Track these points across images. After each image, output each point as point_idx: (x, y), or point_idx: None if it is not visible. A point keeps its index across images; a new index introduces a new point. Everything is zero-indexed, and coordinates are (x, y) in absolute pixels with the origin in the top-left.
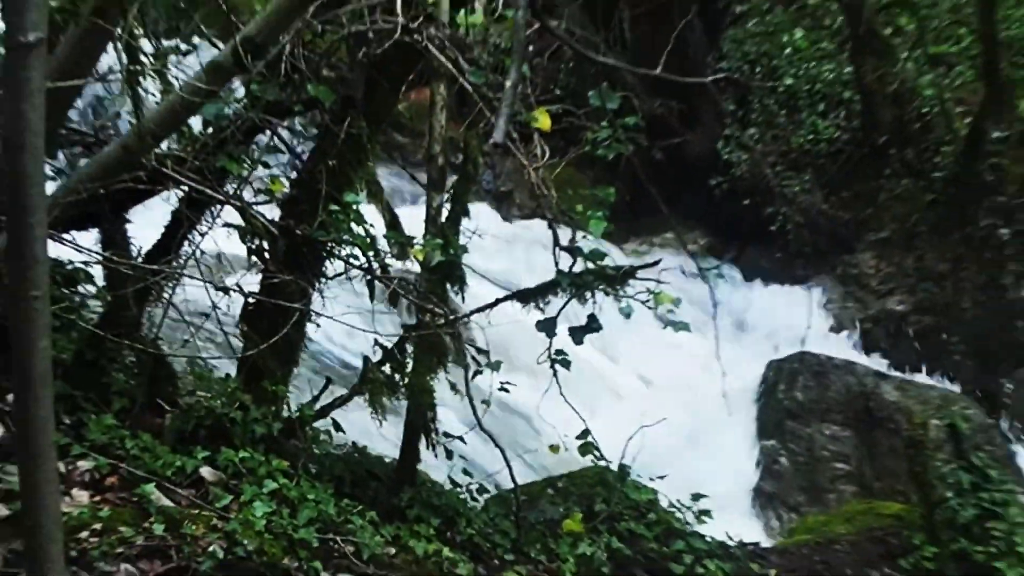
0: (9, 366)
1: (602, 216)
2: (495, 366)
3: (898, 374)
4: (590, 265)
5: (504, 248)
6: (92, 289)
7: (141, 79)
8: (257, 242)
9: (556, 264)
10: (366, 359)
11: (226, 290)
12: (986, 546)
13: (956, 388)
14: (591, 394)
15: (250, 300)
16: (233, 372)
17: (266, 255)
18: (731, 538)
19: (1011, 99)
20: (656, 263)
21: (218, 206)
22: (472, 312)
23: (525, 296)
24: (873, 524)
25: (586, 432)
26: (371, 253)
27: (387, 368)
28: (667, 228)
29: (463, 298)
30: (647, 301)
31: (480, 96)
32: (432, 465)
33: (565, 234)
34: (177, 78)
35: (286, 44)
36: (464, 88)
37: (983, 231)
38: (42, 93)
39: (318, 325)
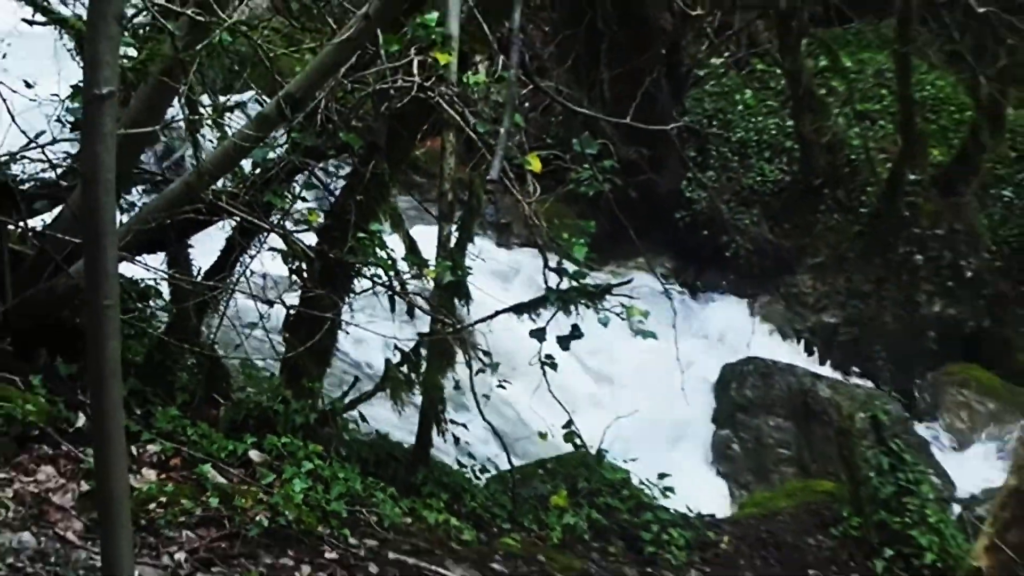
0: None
1: (584, 243)
2: (494, 367)
3: (831, 375)
4: (574, 283)
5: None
6: (160, 303)
7: (200, 128)
8: (297, 263)
9: (546, 282)
10: (387, 361)
11: (271, 303)
12: (902, 517)
13: (878, 387)
14: (574, 391)
15: (291, 312)
16: (277, 372)
17: (304, 274)
18: (691, 510)
19: (924, 149)
20: (628, 282)
21: (264, 234)
22: (476, 322)
23: (520, 309)
24: (809, 499)
25: (570, 423)
26: (392, 273)
27: (405, 368)
28: (639, 254)
29: (468, 310)
30: (621, 313)
31: (483, 143)
32: (442, 449)
33: (553, 258)
34: (231, 127)
35: (322, 99)
36: (470, 136)
37: (901, 257)
38: (114, 137)
39: (347, 332)
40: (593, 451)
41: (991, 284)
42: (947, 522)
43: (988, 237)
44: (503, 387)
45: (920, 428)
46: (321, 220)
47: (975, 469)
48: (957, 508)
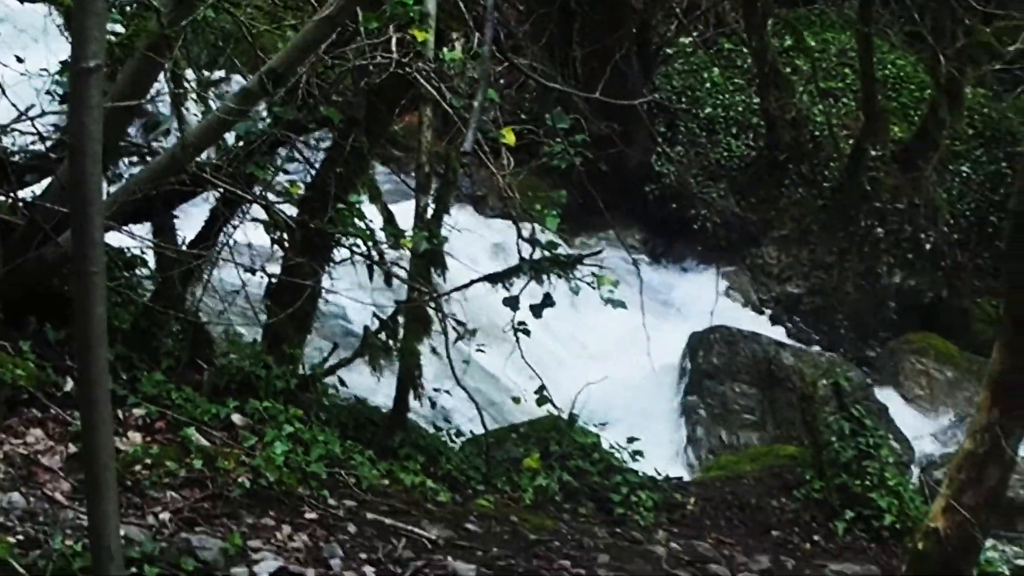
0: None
1: (556, 214)
2: (470, 334)
3: (794, 344)
4: (546, 253)
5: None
6: (146, 271)
7: (185, 102)
8: (278, 233)
9: (519, 252)
10: (366, 328)
11: (253, 271)
12: (862, 480)
13: (840, 355)
14: (546, 358)
15: (272, 280)
16: (259, 338)
17: (286, 244)
18: (659, 473)
19: (885, 125)
20: (599, 252)
21: (247, 204)
22: (452, 290)
23: (494, 278)
24: (773, 463)
25: (542, 388)
26: (370, 243)
27: (383, 335)
28: (609, 226)
29: (444, 279)
30: (592, 283)
31: (459, 117)
32: (419, 414)
33: (527, 229)
34: (214, 101)
35: (303, 74)
36: (447, 111)
37: (863, 230)
38: (100, 109)
39: (327, 300)
40: (565, 416)
41: (949, 256)
42: (906, 485)
43: (947, 211)
44: (481, 351)
45: (880, 394)
46: (302, 192)
47: (934, 434)
48: (916, 471)
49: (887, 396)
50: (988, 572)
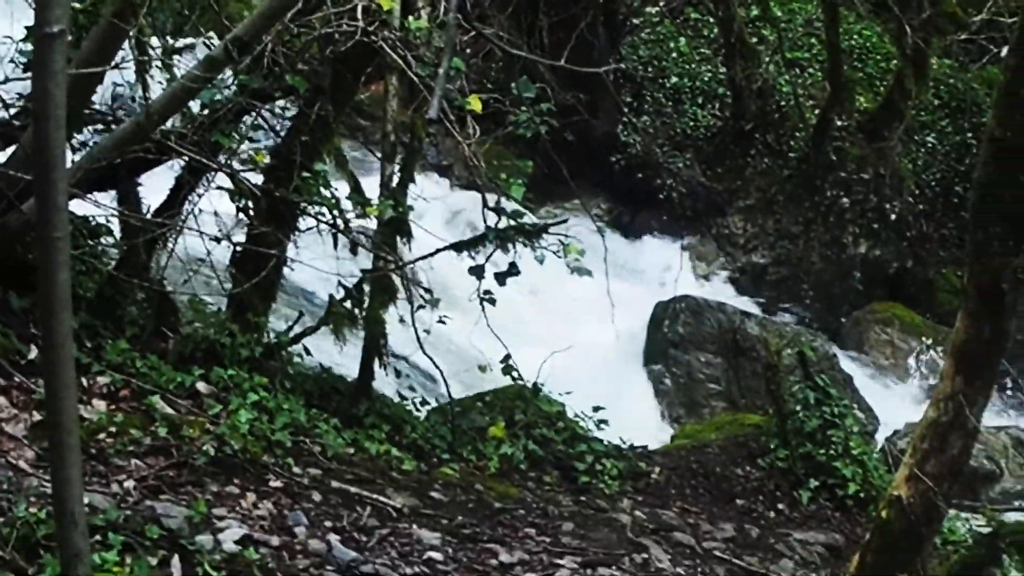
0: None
1: (521, 183)
2: (435, 302)
3: (760, 313)
4: (512, 222)
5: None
6: (110, 240)
7: (150, 69)
8: (244, 202)
9: (484, 221)
10: (331, 297)
11: (218, 240)
12: (827, 449)
13: (805, 325)
14: (512, 327)
15: (238, 248)
16: (224, 306)
17: (251, 212)
18: (624, 442)
19: (851, 95)
20: (565, 220)
21: (212, 173)
22: (417, 259)
23: (460, 247)
24: (738, 432)
25: (508, 357)
26: (336, 211)
27: (348, 304)
28: (575, 196)
29: (410, 247)
30: (558, 252)
31: (424, 86)
32: (384, 382)
33: (492, 198)
34: (180, 69)
35: (268, 42)
36: (413, 80)
37: (828, 200)
38: (64, 74)
39: (292, 269)
40: (530, 385)
41: (914, 226)
42: (870, 454)
43: (912, 181)
44: (443, 322)
45: (845, 364)
46: (267, 160)
47: (898, 403)
48: (880, 441)
49: (852, 365)
50: (951, 540)
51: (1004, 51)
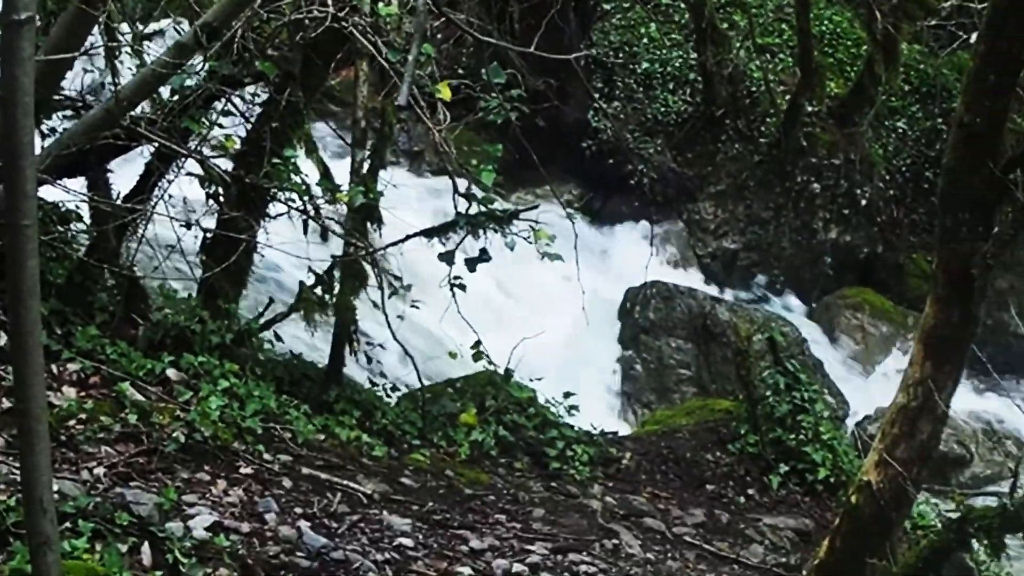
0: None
1: (492, 169)
2: (406, 288)
3: (730, 299)
4: (482, 208)
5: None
6: (81, 226)
7: (119, 55)
8: (214, 188)
9: (455, 207)
10: (301, 283)
11: (188, 226)
12: (797, 434)
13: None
14: (483, 313)
15: (208, 234)
16: (194, 292)
17: (221, 198)
18: (595, 428)
19: (821, 81)
20: (535, 207)
21: (182, 159)
22: (387, 245)
23: (430, 233)
24: (708, 417)
25: (478, 343)
26: (306, 197)
27: (318, 290)
28: (546, 182)
29: (380, 233)
30: (528, 238)
31: (395, 72)
32: (355, 369)
33: (463, 184)
34: (149, 55)
35: (238, 28)
36: (383, 66)
37: (799, 186)
38: (32, 61)
39: (263, 255)
40: (501, 371)
41: (885, 212)
42: (840, 439)
43: (882, 166)
44: (416, 307)
45: (815, 349)
46: (237, 146)
47: (868, 388)
48: (851, 426)
49: (822, 351)
50: (920, 525)
51: (973, 37)
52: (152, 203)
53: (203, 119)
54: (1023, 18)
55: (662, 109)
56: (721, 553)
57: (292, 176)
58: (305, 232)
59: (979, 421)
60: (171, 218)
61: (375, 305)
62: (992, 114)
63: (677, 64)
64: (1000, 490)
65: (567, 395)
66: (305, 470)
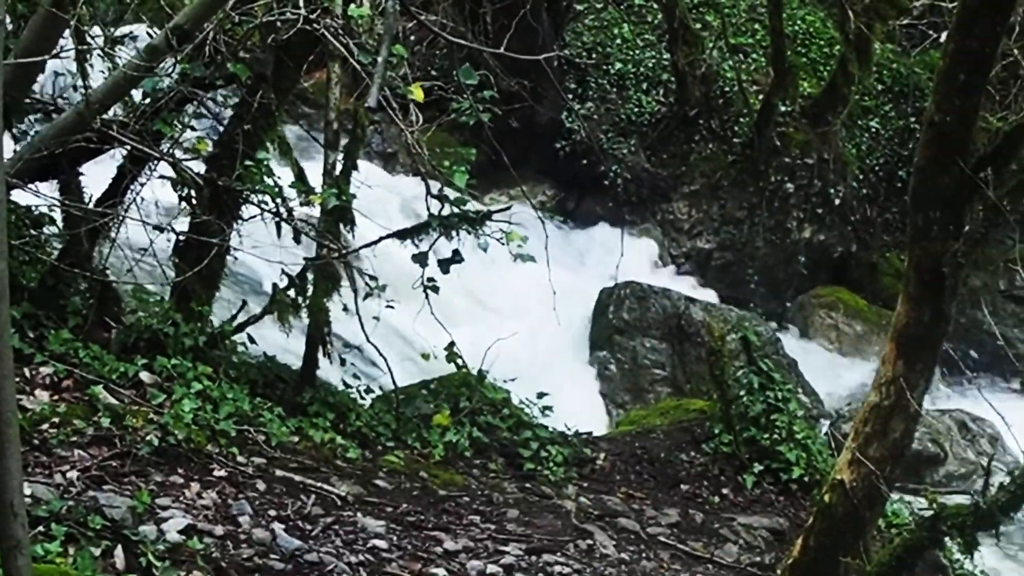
0: None
1: (465, 171)
2: (380, 290)
3: (704, 299)
4: (455, 209)
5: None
6: (53, 230)
7: (90, 58)
8: (186, 191)
9: (428, 209)
10: (275, 285)
11: (161, 229)
12: (771, 434)
13: (750, 310)
14: (456, 314)
15: (180, 237)
16: (167, 295)
17: (193, 201)
18: (569, 428)
19: (794, 81)
20: (508, 208)
21: (155, 162)
22: (361, 247)
23: (403, 234)
24: (683, 417)
25: (452, 344)
26: (279, 200)
27: (292, 292)
28: (520, 182)
29: (353, 235)
30: (501, 239)
31: (367, 74)
32: (328, 370)
33: (436, 186)
34: (120, 58)
35: (210, 31)
36: (356, 68)
37: (773, 185)
38: (2, 65)
39: (235, 258)
40: (475, 372)
41: (858, 211)
42: (814, 438)
43: (855, 166)
44: (391, 307)
45: (790, 348)
46: (210, 148)
47: (842, 387)
48: (825, 425)
49: (797, 350)
50: (894, 524)
51: (944, 36)
52: (124, 206)
53: (175, 122)
54: (993, 17)
55: (635, 109)
56: (695, 553)
57: (265, 178)
58: (278, 234)
59: (953, 420)
60: (143, 221)
61: (345, 309)
62: (962, 113)
63: (650, 64)
64: (973, 488)
65: (541, 396)
66: (279, 472)
